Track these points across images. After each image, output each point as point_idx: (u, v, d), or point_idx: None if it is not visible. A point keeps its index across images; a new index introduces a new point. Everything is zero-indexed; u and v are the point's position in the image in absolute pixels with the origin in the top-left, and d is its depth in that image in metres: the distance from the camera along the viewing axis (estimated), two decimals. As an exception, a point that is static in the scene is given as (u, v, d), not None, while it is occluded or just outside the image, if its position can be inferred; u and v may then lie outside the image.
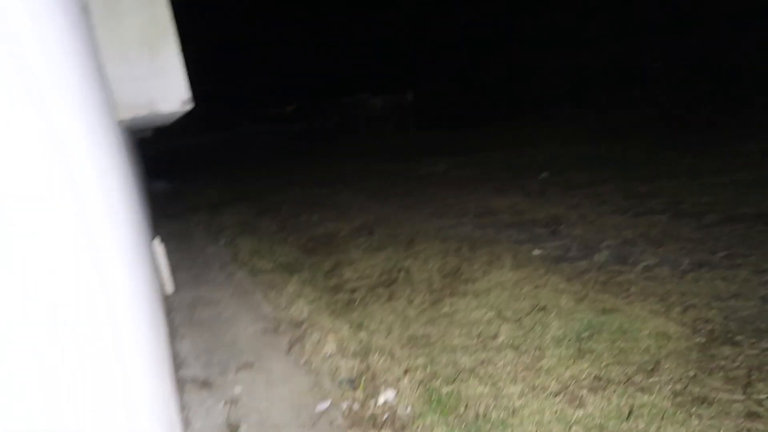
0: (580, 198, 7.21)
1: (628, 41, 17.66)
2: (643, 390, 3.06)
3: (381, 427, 3.04)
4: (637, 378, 3.17)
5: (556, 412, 2.96)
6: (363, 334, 4.12)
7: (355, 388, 3.47)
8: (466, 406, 3.13)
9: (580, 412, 2.95)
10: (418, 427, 2.98)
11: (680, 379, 3.12)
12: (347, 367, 3.74)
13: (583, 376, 3.27)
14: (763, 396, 2.89)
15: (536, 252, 5.38)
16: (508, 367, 3.46)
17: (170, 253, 6.21)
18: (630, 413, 2.89)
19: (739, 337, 3.48)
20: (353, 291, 5.06)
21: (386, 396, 3.35)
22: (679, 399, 2.95)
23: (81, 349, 1.16)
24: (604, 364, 3.36)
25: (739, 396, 2.91)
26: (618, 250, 5.20)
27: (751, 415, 2.76)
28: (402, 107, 24.84)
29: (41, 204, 1.09)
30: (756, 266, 4.44)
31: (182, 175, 15.96)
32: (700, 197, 6.53)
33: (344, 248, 6.45)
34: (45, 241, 1.05)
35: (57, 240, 1.16)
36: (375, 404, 3.29)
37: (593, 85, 18.21)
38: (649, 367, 3.27)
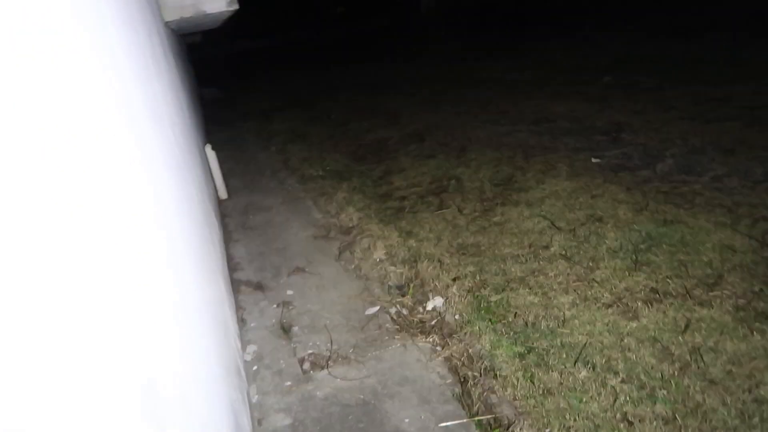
0: (645, 103, 6.75)
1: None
2: (702, 304, 2.95)
3: (429, 333, 3.08)
4: (697, 292, 3.05)
5: (608, 323, 2.90)
6: (412, 242, 4.11)
7: (403, 295, 3.50)
8: (515, 314, 3.11)
9: (633, 324, 2.88)
10: (466, 334, 3.00)
11: (744, 294, 2.98)
12: (396, 273, 3.76)
13: (639, 288, 3.17)
14: (834, 313, 2.74)
15: (594, 160, 5.13)
16: (560, 278, 3.39)
17: (223, 160, 6.28)
18: (687, 327, 2.80)
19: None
20: (403, 199, 5.01)
21: (435, 303, 3.37)
22: (741, 314, 2.83)
23: (131, 251, 1.15)
24: (661, 276, 3.24)
25: (807, 313, 2.76)
26: (684, 158, 4.89)
27: (819, 333, 2.63)
28: (455, 7, 23.57)
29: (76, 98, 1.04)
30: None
31: (233, 82, 15.91)
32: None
33: (394, 156, 6.35)
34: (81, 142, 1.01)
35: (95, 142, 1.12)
36: (423, 310, 3.32)
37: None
38: (711, 281, 3.13)
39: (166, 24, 6.23)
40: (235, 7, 6.65)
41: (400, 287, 3.61)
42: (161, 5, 6.14)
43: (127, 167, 1.40)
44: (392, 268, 3.83)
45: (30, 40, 0.86)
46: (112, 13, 1.91)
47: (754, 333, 2.68)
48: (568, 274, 3.42)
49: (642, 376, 2.53)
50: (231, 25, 8.90)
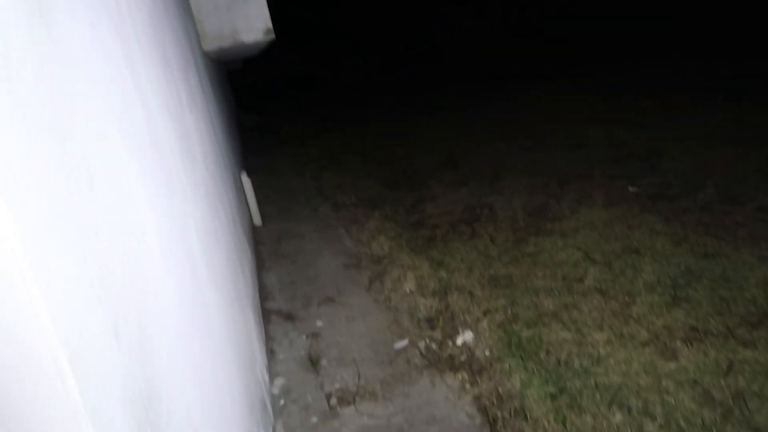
0: (686, 128, 6.56)
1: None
2: (746, 344, 2.82)
3: (458, 369, 3.02)
4: (740, 331, 2.92)
5: (645, 363, 2.80)
6: (443, 273, 4.06)
7: (433, 328, 3.46)
8: (548, 351, 3.03)
9: (671, 365, 2.77)
10: (496, 371, 2.93)
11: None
12: (426, 305, 3.72)
13: (678, 326, 3.05)
14: None
15: (632, 188, 5.00)
16: (594, 313, 3.29)
17: (259, 186, 6.38)
18: (729, 369, 2.68)
19: None
20: (434, 227, 4.97)
21: (465, 337, 3.31)
22: (787, 356, 2.69)
23: (149, 284, 1.17)
24: (702, 313, 3.11)
25: None
26: (726, 187, 4.72)
27: None
28: (490, 25, 23.62)
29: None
30: None
31: (273, 107, 16.22)
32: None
33: (427, 183, 6.33)
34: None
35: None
36: (453, 345, 3.26)
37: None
38: (755, 320, 2.99)
39: (206, 53, 6.43)
40: (272, 37, 6.82)
41: (429, 320, 3.56)
42: (201, 35, 6.34)
43: (149, 201, 1.43)
44: (422, 299, 3.79)
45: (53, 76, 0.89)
46: (143, 54, 1.97)
47: (803, 378, 2.54)
48: (602, 309, 3.32)
49: (681, 422, 2.42)
50: (270, 52, 9.12)
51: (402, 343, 3.34)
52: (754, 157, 5.25)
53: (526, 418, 2.57)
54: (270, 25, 6.73)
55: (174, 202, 1.81)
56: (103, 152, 1.15)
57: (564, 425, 2.49)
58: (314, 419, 2.79)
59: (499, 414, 2.63)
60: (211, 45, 6.50)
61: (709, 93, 8.08)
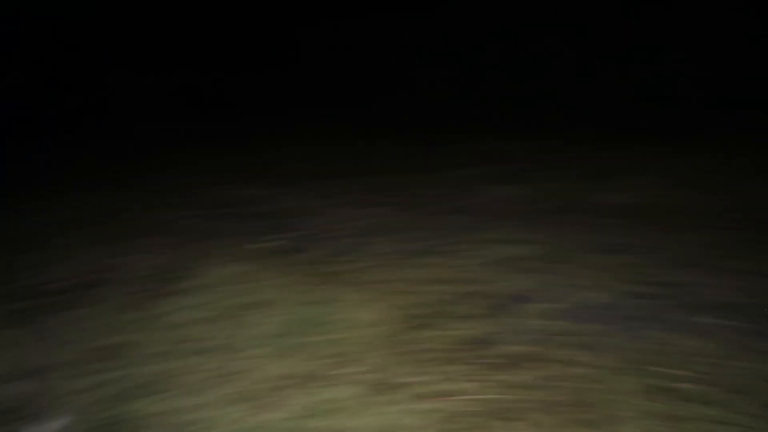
0: (319, 190, 7.14)
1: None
2: (330, 385, 3.12)
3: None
4: (321, 371, 3.24)
5: (235, 419, 2.86)
6: (41, 348, 3.57)
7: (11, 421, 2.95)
8: (146, 426, 2.87)
9: (264, 416, 2.89)
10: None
11: (370, 369, 3.24)
12: (14, 392, 3.19)
13: (277, 375, 3.23)
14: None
15: (255, 246, 5.29)
16: (201, 375, 3.28)
17: None
18: (316, 411, 2.91)
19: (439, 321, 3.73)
20: (45, 295, 4.39)
21: (55, 425, 2.92)
22: (366, 388, 3.05)
23: None
24: (298, 360, 3.37)
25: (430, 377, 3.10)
26: (342, 241, 5.35)
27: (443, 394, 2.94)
28: (155, 90, 22.88)
29: None
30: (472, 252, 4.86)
31: None
32: (430, 189, 6.92)
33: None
34: None
35: None
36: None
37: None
38: (338, 360, 3.36)
39: None
40: None
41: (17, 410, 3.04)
42: None
43: None
44: (11, 385, 3.24)
45: None
46: None
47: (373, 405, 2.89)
48: (210, 370, 3.32)
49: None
50: None
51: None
52: (370, 215, 6.02)
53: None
54: None
55: None
56: None
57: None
58: None
59: None
60: None
61: (336, 161, 8.96)
